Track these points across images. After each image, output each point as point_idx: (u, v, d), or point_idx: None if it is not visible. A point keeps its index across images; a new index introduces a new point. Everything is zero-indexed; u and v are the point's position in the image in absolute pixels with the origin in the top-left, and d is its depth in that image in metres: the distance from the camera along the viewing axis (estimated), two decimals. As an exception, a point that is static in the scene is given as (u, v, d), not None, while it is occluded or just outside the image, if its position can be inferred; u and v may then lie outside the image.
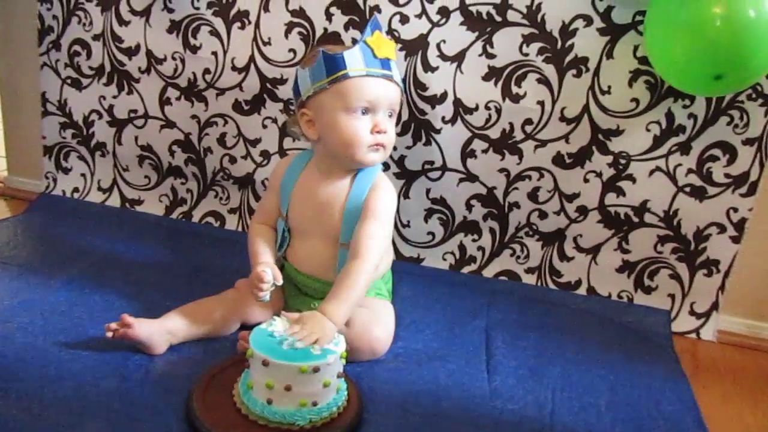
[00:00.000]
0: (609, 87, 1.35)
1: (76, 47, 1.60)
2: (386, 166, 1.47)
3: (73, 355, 1.06)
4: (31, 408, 0.93)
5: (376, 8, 1.38)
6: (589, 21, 1.32)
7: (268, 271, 1.12)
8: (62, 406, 0.94)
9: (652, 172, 1.38)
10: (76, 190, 1.72)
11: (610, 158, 1.39)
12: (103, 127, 1.65)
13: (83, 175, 1.71)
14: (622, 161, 1.39)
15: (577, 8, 1.32)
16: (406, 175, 1.48)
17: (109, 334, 1.05)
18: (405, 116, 1.44)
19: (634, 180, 1.39)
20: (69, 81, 1.63)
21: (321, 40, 1.43)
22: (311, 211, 1.18)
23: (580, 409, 1.09)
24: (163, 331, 1.09)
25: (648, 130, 1.36)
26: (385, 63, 1.12)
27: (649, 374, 1.22)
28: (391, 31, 1.39)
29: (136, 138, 1.63)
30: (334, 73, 1.10)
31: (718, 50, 1.14)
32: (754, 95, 1.29)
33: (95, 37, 1.57)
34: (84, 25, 1.57)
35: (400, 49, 1.39)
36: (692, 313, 1.44)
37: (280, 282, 1.14)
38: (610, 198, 1.41)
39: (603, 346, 1.31)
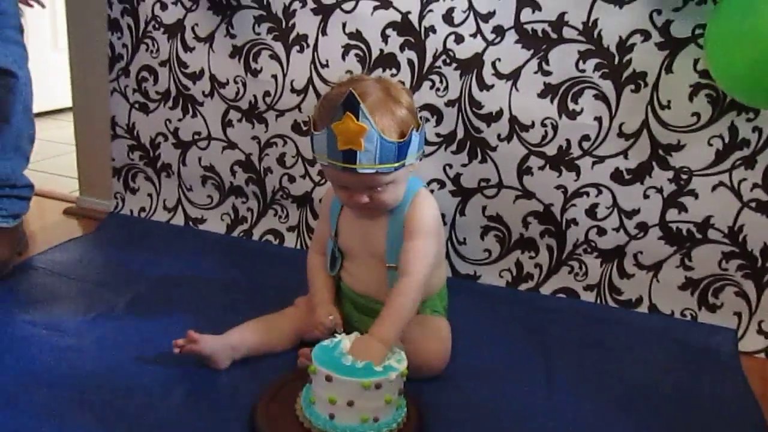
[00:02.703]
0: (669, 101, 1.33)
1: (144, 73, 1.67)
2: (442, 184, 1.48)
3: (142, 369, 1.11)
4: (106, 419, 0.98)
5: (432, 29, 1.41)
6: (647, 36, 1.31)
7: (331, 319, 1.14)
8: (134, 418, 0.99)
9: (715, 188, 1.35)
10: (142, 209, 1.79)
11: (671, 173, 1.36)
12: (169, 148, 1.72)
13: (149, 195, 1.78)
14: (684, 176, 1.36)
15: (635, 23, 1.31)
16: (461, 193, 1.49)
17: (177, 350, 1.09)
18: (461, 134, 1.45)
19: (696, 195, 1.36)
20: (137, 105, 1.71)
21: (376, 62, 1.46)
22: (358, 234, 1.20)
23: (643, 430, 1.07)
24: (226, 346, 1.12)
25: (710, 145, 1.33)
26: (348, 155, 1.03)
27: (715, 395, 1.19)
28: (446, 51, 1.41)
29: (200, 159, 1.69)
30: (312, 148, 1.11)
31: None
32: (822, 107, 1.25)
33: (162, 63, 1.64)
34: (151, 52, 1.64)
35: (455, 69, 1.41)
36: (760, 332, 1.39)
37: (340, 330, 1.14)
38: (672, 214, 1.39)
39: (666, 366, 1.28)
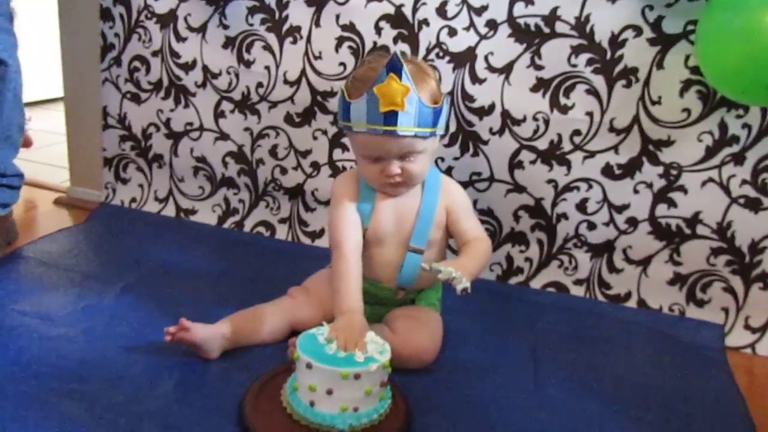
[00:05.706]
0: (659, 97, 1.33)
1: (136, 63, 1.66)
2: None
3: (132, 359, 1.11)
4: (93, 409, 0.97)
5: (425, 22, 1.41)
6: (638, 31, 1.31)
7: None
8: (122, 408, 0.98)
9: (704, 183, 1.36)
10: (133, 200, 1.78)
11: (660, 169, 1.37)
12: (161, 139, 1.71)
13: (141, 185, 1.78)
14: (674, 172, 1.37)
15: (627, 19, 1.31)
16: (453, 186, 1.49)
17: (168, 338, 1.09)
18: (453, 128, 1.45)
19: (685, 191, 1.37)
20: (129, 95, 1.70)
21: (371, 52, 1.46)
22: (393, 218, 1.20)
23: (630, 423, 1.08)
24: (218, 336, 1.12)
25: (700, 141, 1.34)
26: (389, 117, 1.06)
27: (702, 390, 1.20)
28: (439, 44, 1.41)
29: (192, 150, 1.69)
30: (344, 120, 1.13)
31: (773, 59, 1.11)
32: (811, 105, 1.26)
33: (154, 54, 1.64)
34: (144, 42, 1.64)
35: (448, 62, 1.41)
36: (747, 327, 1.40)
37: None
38: (661, 209, 1.40)
39: (654, 360, 1.29)
